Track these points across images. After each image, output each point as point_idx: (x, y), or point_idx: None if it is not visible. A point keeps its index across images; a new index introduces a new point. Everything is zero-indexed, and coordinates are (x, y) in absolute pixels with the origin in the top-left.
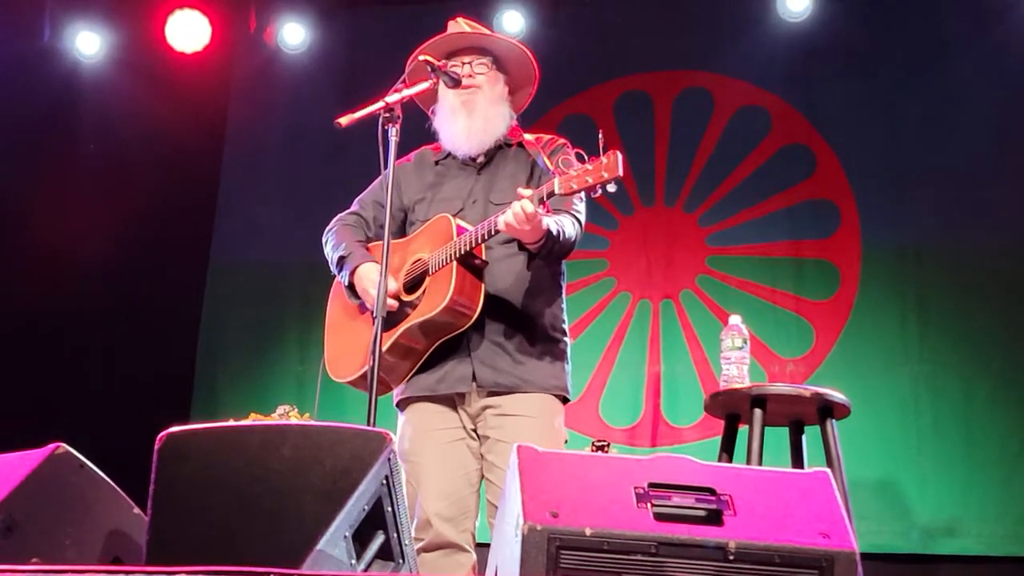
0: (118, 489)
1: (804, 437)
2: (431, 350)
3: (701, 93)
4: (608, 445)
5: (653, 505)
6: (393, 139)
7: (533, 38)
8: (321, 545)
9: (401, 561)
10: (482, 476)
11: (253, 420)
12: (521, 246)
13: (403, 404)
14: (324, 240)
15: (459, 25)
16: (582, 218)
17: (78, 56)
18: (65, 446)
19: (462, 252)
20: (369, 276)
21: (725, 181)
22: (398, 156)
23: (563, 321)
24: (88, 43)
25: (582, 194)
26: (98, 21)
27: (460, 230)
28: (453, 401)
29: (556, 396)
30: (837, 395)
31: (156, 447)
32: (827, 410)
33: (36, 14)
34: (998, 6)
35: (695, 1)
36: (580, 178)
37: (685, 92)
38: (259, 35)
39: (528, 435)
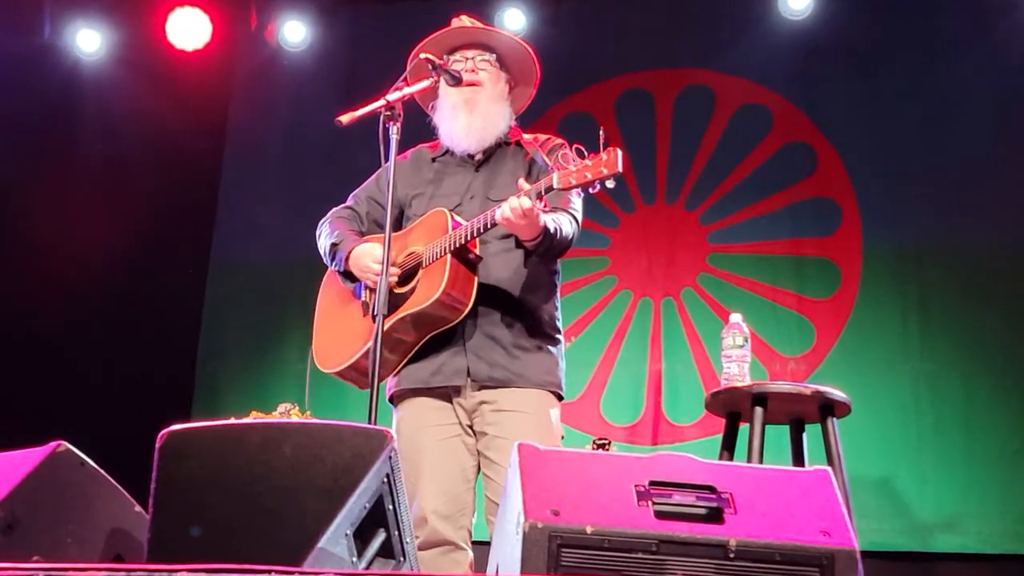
0: (119, 487)
1: (805, 435)
2: (421, 343)
3: (702, 91)
4: (609, 443)
5: (654, 503)
6: (394, 137)
7: (534, 36)
8: (322, 543)
9: (402, 559)
10: (478, 472)
11: (254, 418)
12: (518, 243)
13: (397, 398)
14: (318, 233)
15: (462, 22)
16: (579, 216)
17: (78, 54)
18: (66, 444)
19: (457, 246)
20: (368, 252)
21: (726, 179)
22: (398, 154)
23: (558, 320)
24: (88, 41)
25: (580, 192)
26: (98, 19)
27: (456, 224)
28: (448, 395)
29: (551, 392)
30: (838, 393)
31: (157, 445)
32: (828, 408)
33: (36, 12)
34: (998, 6)
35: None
36: (579, 174)
37: (686, 90)
38: (260, 33)
39: (525, 431)
